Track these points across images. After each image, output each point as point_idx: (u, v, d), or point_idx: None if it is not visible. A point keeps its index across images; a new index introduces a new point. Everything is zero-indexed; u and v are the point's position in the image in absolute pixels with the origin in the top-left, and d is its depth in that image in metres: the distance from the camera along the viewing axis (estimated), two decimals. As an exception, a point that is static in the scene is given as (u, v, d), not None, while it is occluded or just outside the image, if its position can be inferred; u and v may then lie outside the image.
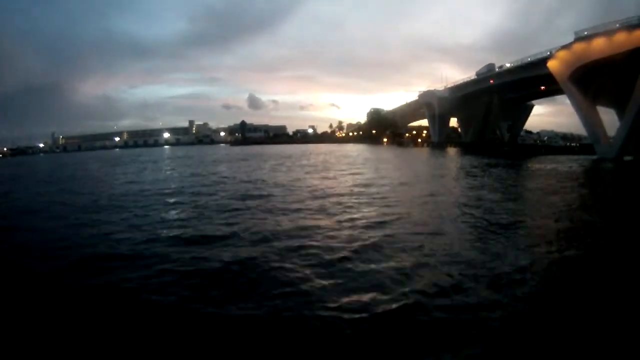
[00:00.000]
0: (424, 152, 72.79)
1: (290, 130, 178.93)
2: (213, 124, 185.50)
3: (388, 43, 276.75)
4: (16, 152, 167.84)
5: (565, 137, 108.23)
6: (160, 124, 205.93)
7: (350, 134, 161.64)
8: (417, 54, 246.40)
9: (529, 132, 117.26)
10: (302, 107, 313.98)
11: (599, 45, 46.32)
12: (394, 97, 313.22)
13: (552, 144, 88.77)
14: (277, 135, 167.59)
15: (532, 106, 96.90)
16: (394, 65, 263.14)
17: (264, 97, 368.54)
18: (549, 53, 54.97)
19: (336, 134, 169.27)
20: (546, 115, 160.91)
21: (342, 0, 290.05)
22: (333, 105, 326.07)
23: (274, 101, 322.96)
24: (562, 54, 50.77)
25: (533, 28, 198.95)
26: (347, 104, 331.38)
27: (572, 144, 78.88)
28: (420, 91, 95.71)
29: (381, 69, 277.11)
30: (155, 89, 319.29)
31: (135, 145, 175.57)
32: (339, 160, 50.87)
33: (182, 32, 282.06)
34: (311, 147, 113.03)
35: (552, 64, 52.25)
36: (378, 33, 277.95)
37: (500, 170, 35.21)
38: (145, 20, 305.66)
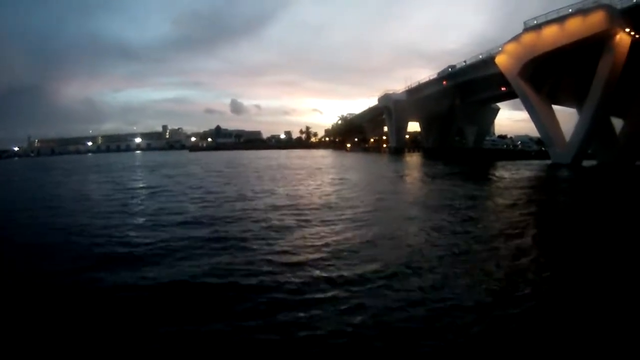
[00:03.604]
0: (371, 158, 64.43)
1: (268, 135, 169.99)
2: (195, 129, 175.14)
3: (372, 48, 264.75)
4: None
5: (540, 141, 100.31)
6: (135, 128, 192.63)
7: (325, 139, 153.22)
8: (401, 60, 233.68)
9: (502, 137, 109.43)
10: (285, 112, 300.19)
11: (551, 35, 38.08)
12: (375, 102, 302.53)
13: (525, 149, 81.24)
14: (250, 141, 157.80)
15: (497, 109, 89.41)
16: (378, 71, 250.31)
17: (247, 102, 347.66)
18: (500, 49, 46.32)
19: (311, 139, 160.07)
20: (528, 121, 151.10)
21: (327, 5, 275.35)
22: (316, 110, 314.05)
23: (257, 106, 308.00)
24: (510, 47, 42.48)
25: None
26: (330, 109, 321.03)
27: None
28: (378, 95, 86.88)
29: (365, 74, 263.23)
30: (138, 92, 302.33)
31: (108, 150, 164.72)
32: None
33: (167, 36, 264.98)
34: (275, 152, 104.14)
35: (500, 59, 43.93)
36: (362, 38, 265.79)
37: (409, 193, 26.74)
38: (130, 23, 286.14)
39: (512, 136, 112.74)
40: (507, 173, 33.67)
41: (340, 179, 28.93)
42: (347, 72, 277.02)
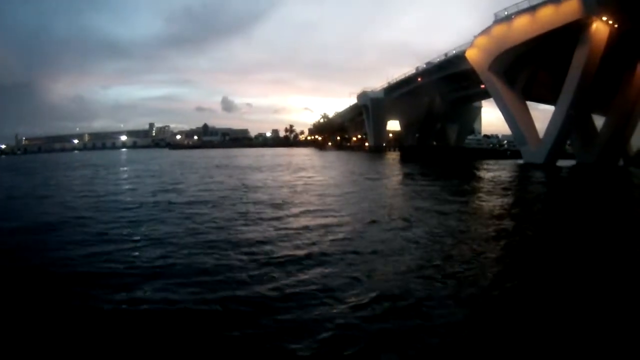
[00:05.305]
0: (342, 156, 60.70)
1: (257, 133, 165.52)
2: (185, 127, 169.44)
3: (364, 47, 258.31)
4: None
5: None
6: (122, 125, 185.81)
7: (310, 137, 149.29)
8: (393, 59, 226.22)
9: (488, 136, 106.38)
10: (276, 111, 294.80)
11: (522, 26, 34.51)
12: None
13: (510, 148, 78.47)
14: (237, 139, 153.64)
15: (480, 107, 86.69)
16: (369, 70, 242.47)
17: (238, 100, 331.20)
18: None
19: (298, 138, 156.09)
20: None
21: (317, 4, 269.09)
22: (307, 109, 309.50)
23: (248, 104, 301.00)
24: (480, 40, 38.89)
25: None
26: (321, 108, 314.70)
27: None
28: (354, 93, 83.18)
29: (356, 73, 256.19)
30: (128, 90, 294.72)
31: (94, 147, 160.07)
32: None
33: (158, 33, 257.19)
34: (257, 151, 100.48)
35: (470, 53, 40.32)
36: (354, 37, 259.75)
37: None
38: (121, 20, 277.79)
39: (499, 135, 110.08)
40: (476, 172, 30.27)
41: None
42: (338, 71, 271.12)
